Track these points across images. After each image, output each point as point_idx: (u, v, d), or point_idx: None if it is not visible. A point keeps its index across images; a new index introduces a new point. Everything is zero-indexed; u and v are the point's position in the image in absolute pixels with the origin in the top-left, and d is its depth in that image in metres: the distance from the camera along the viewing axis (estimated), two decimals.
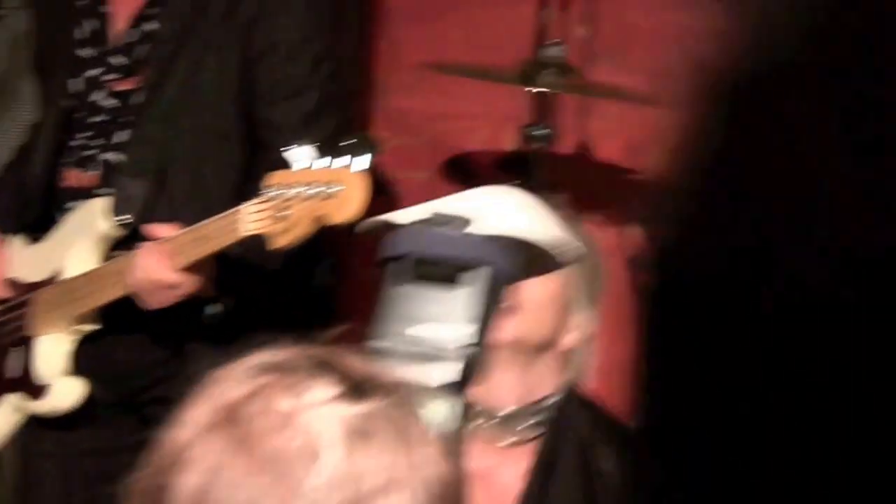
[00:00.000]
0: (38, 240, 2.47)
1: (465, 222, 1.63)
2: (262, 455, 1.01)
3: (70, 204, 2.40)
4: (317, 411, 1.02)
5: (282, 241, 2.08)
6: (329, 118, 2.40)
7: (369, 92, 3.33)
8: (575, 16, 3.26)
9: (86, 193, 2.40)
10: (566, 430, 2.16)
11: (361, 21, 3.22)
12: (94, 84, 2.45)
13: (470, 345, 1.52)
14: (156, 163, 2.39)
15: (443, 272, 1.54)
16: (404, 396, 1.09)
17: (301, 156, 2.08)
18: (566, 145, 3.11)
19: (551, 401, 2.10)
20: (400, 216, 1.77)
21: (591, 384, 2.21)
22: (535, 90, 2.88)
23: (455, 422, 1.52)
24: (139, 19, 2.43)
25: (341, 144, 2.06)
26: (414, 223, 1.66)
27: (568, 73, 2.89)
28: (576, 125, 3.20)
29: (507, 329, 1.94)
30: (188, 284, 2.19)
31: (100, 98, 2.43)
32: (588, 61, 3.25)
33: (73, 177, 2.43)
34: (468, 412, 1.64)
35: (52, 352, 2.35)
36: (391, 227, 1.72)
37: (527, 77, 2.84)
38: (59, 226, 2.41)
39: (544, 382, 2.13)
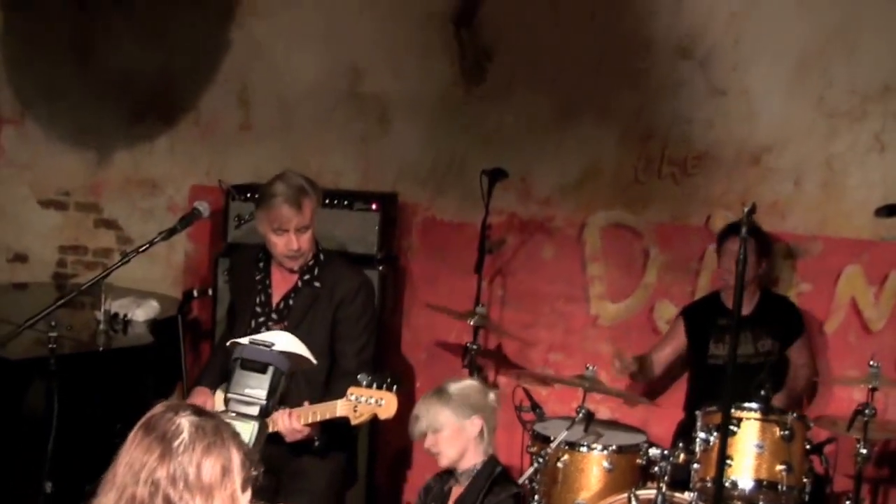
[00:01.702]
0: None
1: (271, 344, 2.75)
2: (157, 435, 2.06)
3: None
4: (185, 418, 2.10)
5: (354, 422, 4.08)
6: (368, 351, 4.56)
7: None
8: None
9: None
10: (478, 478, 4.26)
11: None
12: (261, 325, 4.50)
13: (267, 399, 2.63)
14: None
15: (257, 366, 2.66)
16: (223, 420, 2.15)
17: (364, 379, 4.04)
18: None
19: (476, 466, 4.23)
20: (243, 340, 2.86)
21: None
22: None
23: (255, 438, 2.58)
24: (286, 297, 4.54)
25: (384, 378, 4.03)
26: (247, 343, 2.76)
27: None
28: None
29: (445, 461, 4.24)
30: (304, 431, 4.26)
31: (264, 331, 4.37)
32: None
33: None
34: (262, 434, 2.67)
35: None
36: (237, 344, 2.81)
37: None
38: None
39: (474, 456, 4.26)
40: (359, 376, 4.11)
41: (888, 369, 5.73)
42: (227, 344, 2.72)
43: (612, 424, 5.61)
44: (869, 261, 5.83)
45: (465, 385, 4.38)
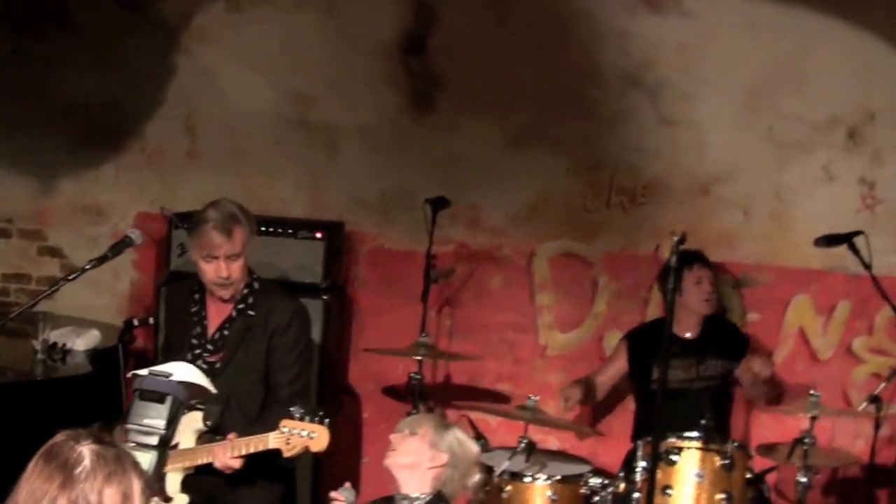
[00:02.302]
0: None
1: (168, 374, 2.79)
2: (58, 464, 2.05)
3: (185, 410, 3.87)
4: (86, 447, 2.10)
5: (287, 455, 4.02)
6: (302, 381, 4.52)
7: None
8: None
9: (191, 407, 4.05)
10: None
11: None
12: (197, 356, 4.44)
13: (166, 428, 2.65)
14: (226, 396, 4.28)
15: (155, 396, 2.68)
16: (124, 449, 2.16)
17: (297, 412, 3.99)
18: None
19: (424, 496, 4.09)
20: (142, 371, 2.86)
21: None
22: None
23: (155, 467, 2.59)
24: (221, 328, 4.47)
25: (315, 411, 4.00)
26: (145, 374, 2.79)
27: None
28: None
29: (391, 458, 4.11)
30: (236, 464, 4.13)
31: (200, 363, 4.35)
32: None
33: None
34: (162, 464, 2.72)
35: (173, 479, 4.13)
36: (137, 375, 2.85)
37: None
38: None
39: (420, 485, 4.13)
40: (292, 409, 4.08)
41: (836, 398, 5.77)
42: (128, 376, 2.69)
43: (559, 455, 5.59)
44: (817, 290, 5.86)
45: (466, 440, 4.29)
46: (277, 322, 4.49)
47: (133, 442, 2.56)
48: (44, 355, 5.43)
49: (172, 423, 2.63)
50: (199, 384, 2.89)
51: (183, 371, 2.81)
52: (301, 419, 4.04)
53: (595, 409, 5.97)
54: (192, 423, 4.28)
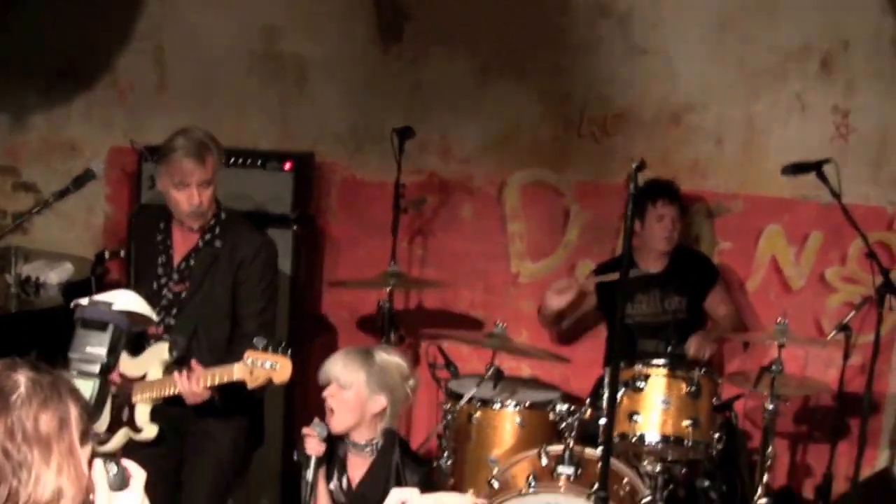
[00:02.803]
0: (136, 354, 4.31)
1: (109, 303, 2.72)
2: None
3: (151, 342, 4.37)
4: (21, 375, 2.08)
5: (251, 386, 4.06)
6: (269, 313, 4.51)
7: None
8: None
9: (158, 338, 4.39)
10: (385, 452, 4.15)
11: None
12: (163, 286, 4.48)
13: (108, 356, 2.59)
14: (192, 327, 4.42)
15: (96, 325, 2.61)
16: (60, 376, 2.15)
17: (261, 343, 4.03)
18: None
19: (375, 440, 4.13)
20: (83, 300, 2.80)
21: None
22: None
23: (97, 394, 2.53)
24: (187, 258, 4.48)
25: (278, 342, 4.05)
26: (87, 303, 2.74)
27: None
28: None
29: (335, 424, 4.10)
30: (204, 394, 4.20)
31: (166, 292, 4.47)
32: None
33: (153, 329, 4.38)
34: (104, 391, 2.61)
35: (143, 411, 4.26)
36: (79, 304, 2.77)
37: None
38: (147, 350, 4.33)
39: (369, 432, 4.16)
40: (255, 340, 4.10)
41: (808, 327, 5.80)
42: (71, 305, 2.70)
43: (530, 382, 5.66)
44: (790, 220, 5.86)
45: (390, 361, 4.20)
46: (244, 255, 4.48)
47: (75, 370, 2.56)
48: (17, 289, 5.48)
49: (114, 351, 2.62)
50: (140, 312, 2.90)
51: (124, 299, 2.82)
52: (265, 350, 4.06)
53: (569, 335, 5.99)
54: (158, 353, 4.33)
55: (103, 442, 4.34)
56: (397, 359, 4.23)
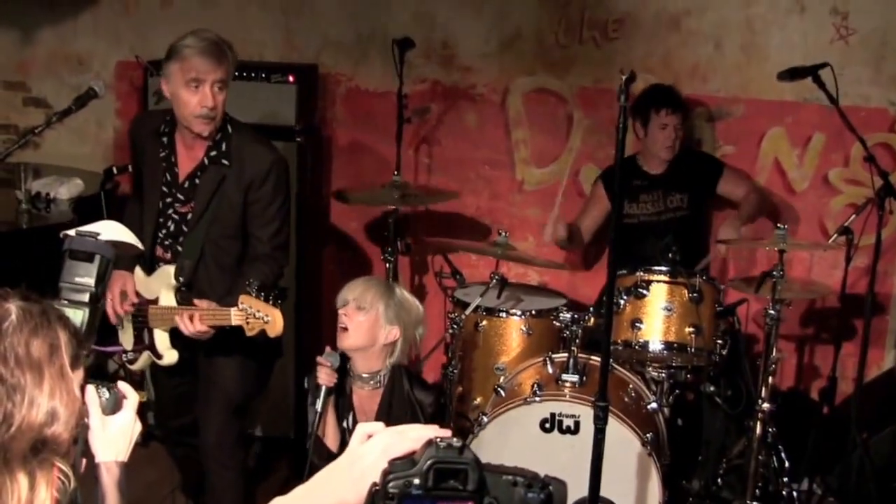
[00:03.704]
0: (149, 275, 4.27)
1: (96, 234, 2.73)
2: None
3: (160, 264, 4.29)
4: (12, 304, 2.18)
5: (248, 334, 3.92)
6: (283, 235, 4.31)
7: None
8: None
9: (165, 262, 4.32)
10: (396, 385, 4.27)
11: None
12: (169, 205, 4.32)
13: (96, 285, 2.63)
14: (199, 250, 4.26)
15: (84, 255, 2.64)
16: (50, 304, 2.25)
17: (253, 288, 3.91)
18: None
19: (382, 371, 4.26)
20: (70, 232, 2.79)
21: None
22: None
23: (87, 322, 2.58)
24: (192, 176, 4.27)
25: (275, 291, 3.94)
26: (74, 235, 2.74)
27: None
28: None
29: (347, 341, 4.22)
30: (210, 332, 4.08)
31: (171, 213, 4.32)
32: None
33: (160, 252, 4.37)
34: (95, 318, 2.67)
35: (162, 337, 4.25)
36: (67, 235, 2.76)
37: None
38: (155, 273, 4.26)
39: (376, 362, 4.29)
40: (248, 282, 4.00)
41: (812, 229, 5.86)
42: (60, 235, 2.78)
43: (537, 289, 5.70)
44: (792, 122, 5.88)
45: (410, 300, 4.32)
46: (253, 174, 4.23)
47: (65, 300, 2.66)
48: (28, 205, 5.52)
49: (102, 280, 2.71)
50: (126, 241, 2.98)
51: (110, 230, 2.90)
52: (257, 296, 3.95)
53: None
54: (165, 278, 4.27)
55: (131, 361, 4.49)
56: (416, 302, 4.36)
